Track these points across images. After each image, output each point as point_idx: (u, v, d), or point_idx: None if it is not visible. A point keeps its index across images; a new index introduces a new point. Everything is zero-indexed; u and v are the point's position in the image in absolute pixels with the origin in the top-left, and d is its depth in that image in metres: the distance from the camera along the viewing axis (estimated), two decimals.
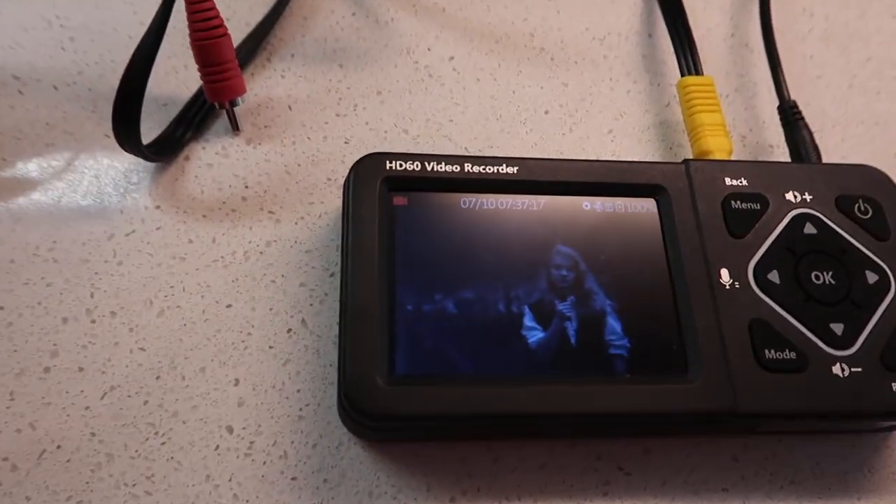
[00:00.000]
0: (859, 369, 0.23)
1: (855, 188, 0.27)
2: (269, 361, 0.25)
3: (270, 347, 0.25)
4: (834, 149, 0.31)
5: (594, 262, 0.25)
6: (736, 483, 0.25)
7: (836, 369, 0.23)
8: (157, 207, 0.27)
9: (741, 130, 0.31)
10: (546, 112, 0.31)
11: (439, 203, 0.25)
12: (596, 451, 0.25)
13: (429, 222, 0.24)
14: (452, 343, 0.23)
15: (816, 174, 0.27)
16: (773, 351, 0.23)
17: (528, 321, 0.23)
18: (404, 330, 0.23)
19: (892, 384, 0.23)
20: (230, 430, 0.24)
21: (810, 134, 0.29)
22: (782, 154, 0.30)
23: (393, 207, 0.24)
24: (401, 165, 0.25)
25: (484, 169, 0.25)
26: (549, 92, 0.31)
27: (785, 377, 0.23)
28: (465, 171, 0.25)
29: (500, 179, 0.25)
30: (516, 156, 0.29)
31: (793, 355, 0.23)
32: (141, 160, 0.27)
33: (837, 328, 0.24)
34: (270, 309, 0.25)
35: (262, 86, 0.30)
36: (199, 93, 0.28)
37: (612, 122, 0.31)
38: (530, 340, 0.23)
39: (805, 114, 0.30)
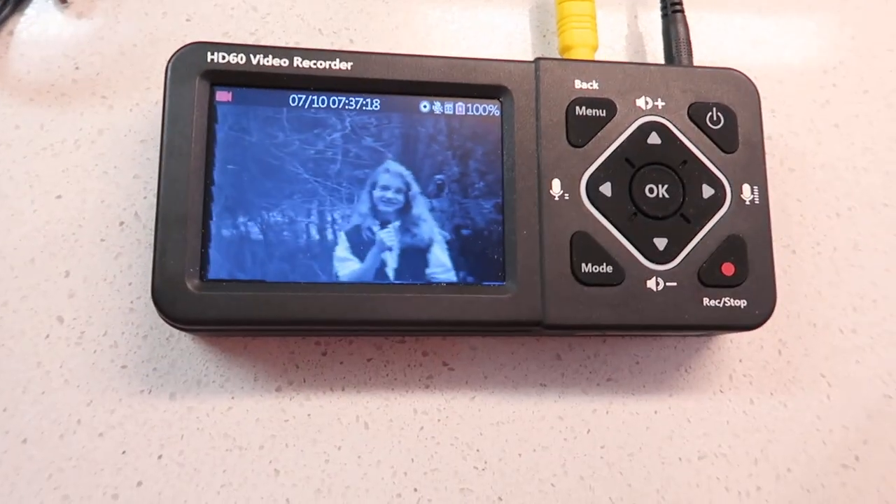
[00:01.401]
0: (674, 284, 0.24)
1: (713, 95, 0.25)
2: (100, 254, 0.25)
3: (102, 240, 0.25)
4: (723, 44, 0.30)
5: (427, 184, 0.24)
6: (555, 379, 0.26)
7: (651, 283, 0.24)
8: None
9: (625, 18, 0.29)
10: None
11: (266, 100, 0.24)
12: (423, 347, 0.26)
13: (252, 121, 0.23)
14: (265, 253, 0.23)
15: (675, 78, 0.25)
16: (589, 265, 0.24)
17: (342, 250, 0.23)
18: (217, 235, 0.23)
19: (705, 299, 0.24)
20: (61, 320, 0.24)
21: (686, 30, 0.27)
22: (660, 49, 0.28)
23: (214, 104, 0.23)
24: (224, 58, 0.23)
25: (315, 63, 0.24)
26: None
27: (597, 290, 0.24)
28: (295, 65, 0.24)
29: (332, 76, 0.24)
30: (365, 44, 0.27)
31: (609, 269, 0.24)
32: None
33: (661, 243, 0.24)
34: (102, 201, 0.25)
35: None
36: None
37: (485, 2, 0.29)
38: (340, 274, 0.23)
39: (701, 1, 0.28)
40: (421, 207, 0.24)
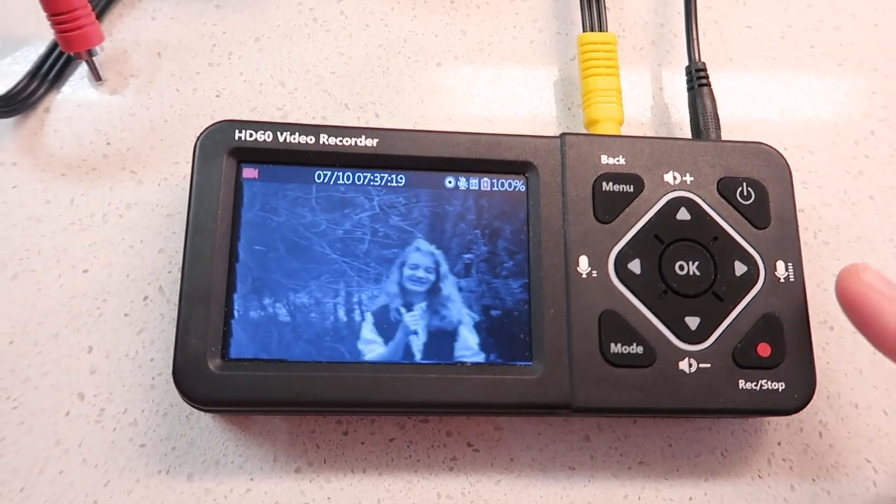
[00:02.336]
0: (708, 365, 0.23)
1: (742, 169, 0.25)
2: (123, 329, 0.25)
3: (126, 315, 0.25)
4: (752, 120, 0.29)
5: (455, 263, 0.24)
6: (584, 462, 0.25)
7: (684, 365, 0.23)
8: (14, 164, 0.26)
9: (650, 91, 0.29)
10: (438, 64, 0.29)
11: (292, 177, 0.24)
12: (447, 427, 0.25)
13: (278, 199, 0.24)
14: (289, 333, 0.22)
15: (703, 153, 0.25)
16: (619, 344, 0.23)
17: (369, 331, 0.23)
18: (241, 314, 0.22)
19: (740, 381, 0.23)
20: (81, 396, 0.24)
21: (713, 103, 0.27)
22: (686, 121, 0.28)
23: (241, 181, 0.24)
24: (251, 135, 0.24)
25: (341, 140, 0.24)
26: (445, 41, 0.29)
27: (627, 372, 0.23)
28: (321, 142, 0.24)
29: (358, 153, 0.24)
30: (390, 118, 0.28)
31: (639, 349, 0.23)
32: None
33: (693, 322, 0.23)
34: (128, 275, 0.25)
35: (131, 28, 0.28)
36: (56, 43, 0.27)
37: (509, 76, 0.29)
38: (366, 355, 0.23)
39: (728, 73, 0.28)
40: (450, 287, 0.23)
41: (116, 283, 0.25)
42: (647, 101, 0.29)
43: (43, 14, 0.25)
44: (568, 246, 0.24)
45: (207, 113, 0.27)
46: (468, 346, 0.23)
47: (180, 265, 0.25)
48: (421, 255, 0.23)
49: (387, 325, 0.23)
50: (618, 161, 0.25)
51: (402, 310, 0.23)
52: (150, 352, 0.25)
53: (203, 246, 0.23)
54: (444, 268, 0.24)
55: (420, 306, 0.23)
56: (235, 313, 0.22)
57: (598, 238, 0.24)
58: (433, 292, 0.23)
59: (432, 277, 0.23)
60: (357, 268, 0.23)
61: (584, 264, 0.24)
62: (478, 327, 0.23)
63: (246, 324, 0.22)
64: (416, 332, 0.23)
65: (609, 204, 0.24)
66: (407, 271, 0.23)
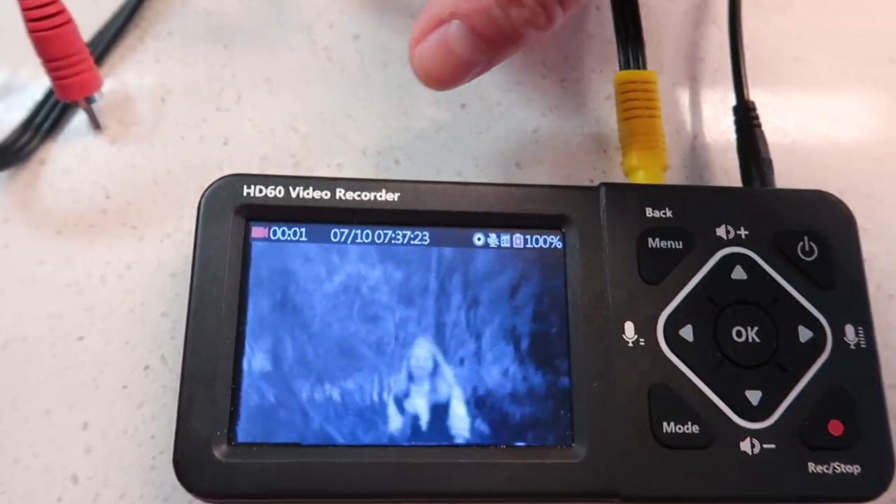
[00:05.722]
0: (772, 446, 0.20)
1: (802, 221, 0.23)
2: (121, 403, 0.22)
3: (124, 387, 0.23)
4: (804, 161, 0.27)
5: (486, 331, 0.21)
6: None
7: (745, 446, 0.20)
8: (6, 221, 0.24)
9: (692, 133, 0.27)
10: (462, 106, 0.27)
11: (305, 235, 0.22)
12: None
13: (290, 260, 0.21)
14: (302, 414, 0.20)
15: (758, 203, 0.23)
16: (672, 423, 0.20)
17: (393, 410, 0.20)
18: (249, 394, 0.20)
19: (810, 464, 0.20)
20: (75, 479, 0.22)
21: (766, 147, 0.24)
22: (734, 165, 0.26)
23: (249, 242, 0.21)
24: (260, 191, 0.22)
25: (359, 195, 0.22)
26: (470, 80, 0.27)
27: (682, 454, 0.20)
28: (338, 197, 0.22)
29: (378, 208, 0.22)
30: (411, 164, 0.26)
31: (695, 429, 0.20)
32: None
33: (754, 396, 0.21)
34: (127, 342, 0.23)
35: (133, 72, 0.26)
36: (52, 90, 0.25)
37: (539, 118, 0.27)
38: (390, 436, 0.20)
39: (776, 109, 0.25)
40: (480, 359, 0.21)
41: (115, 351, 0.23)
42: (688, 145, 0.27)
43: (38, 59, 0.23)
44: (612, 310, 0.21)
45: (214, 162, 0.25)
46: (501, 426, 0.20)
47: (184, 331, 0.23)
48: (449, 324, 0.21)
49: (411, 406, 0.21)
50: (664, 214, 0.22)
51: (429, 387, 0.21)
52: (150, 428, 0.22)
53: (207, 317, 0.20)
54: (475, 337, 0.21)
55: (449, 383, 0.21)
56: (243, 393, 0.20)
57: (645, 301, 0.21)
58: (462, 366, 0.21)
59: (462, 349, 0.21)
60: (378, 342, 0.21)
61: (630, 331, 0.21)
62: (512, 405, 0.21)
63: (255, 404, 0.20)
64: (443, 412, 0.21)
65: (656, 262, 0.22)
66: (433, 344, 0.21)
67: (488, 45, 0.20)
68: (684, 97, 0.27)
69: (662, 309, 0.21)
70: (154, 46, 0.26)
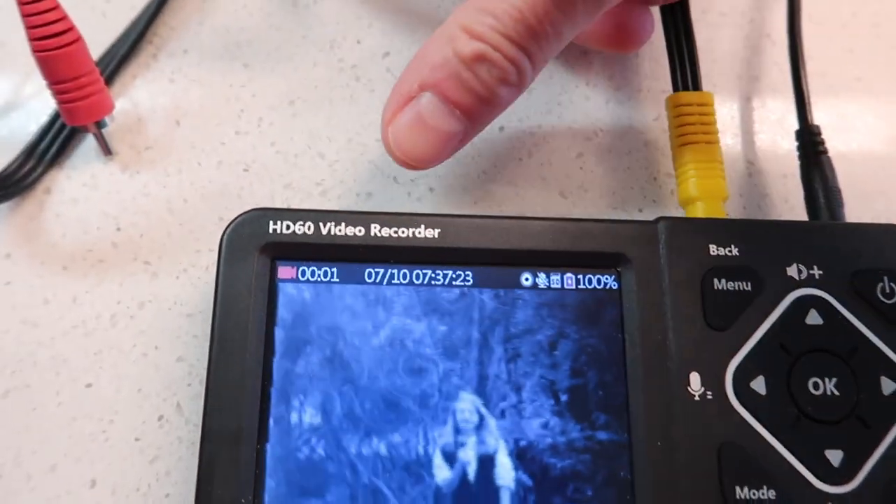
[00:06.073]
0: None
1: (880, 260, 0.20)
2: (133, 457, 0.20)
3: (137, 440, 0.21)
4: (870, 192, 0.25)
5: (535, 382, 0.19)
6: None
7: None
8: (7, 256, 0.22)
9: (747, 156, 0.25)
10: (501, 129, 0.25)
11: (337, 276, 0.20)
12: None
13: (321, 304, 0.19)
14: (337, 478, 0.18)
15: (830, 239, 0.21)
16: (744, 488, 0.18)
17: (440, 470, 0.19)
18: (278, 454, 0.18)
19: None
20: None
21: (834, 176, 0.23)
22: (798, 196, 0.23)
23: (276, 284, 0.19)
24: (288, 227, 0.20)
25: (396, 232, 0.20)
26: None
27: None
28: (372, 234, 0.20)
29: (416, 246, 0.20)
30: (445, 194, 0.24)
31: (771, 494, 0.18)
32: None
33: (835, 456, 0.19)
34: (139, 390, 0.21)
35: (146, 92, 0.24)
36: (58, 114, 0.23)
37: (583, 142, 0.25)
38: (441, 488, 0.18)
39: (838, 133, 0.23)
40: (528, 414, 0.19)
41: (126, 399, 0.21)
42: (743, 171, 0.25)
43: (43, 80, 0.21)
44: (675, 359, 0.19)
45: (234, 191, 0.23)
46: (552, 489, 0.18)
47: (203, 377, 0.21)
48: (494, 376, 0.19)
49: (455, 465, 0.19)
50: (730, 251, 0.20)
51: (476, 447, 0.19)
52: (164, 485, 0.20)
53: (230, 368, 0.18)
54: (523, 390, 0.19)
55: (491, 441, 0.19)
56: (271, 453, 0.18)
57: (711, 349, 0.19)
58: (507, 420, 0.19)
59: (507, 403, 0.19)
60: (420, 395, 0.19)
61: (696, 383, 0.19)
62: (565, 465, 0.19)
63: (284, 466, 0.18)
64: (488, 472, 0.19)
65: (723, 306, 0.20)
66: (475, 398, 0.19)
67: (465, 112, 0.19)
68: (738, 119, 0.25)
69: (731, 358, 0.19)
70: (168, 65, 0.24)
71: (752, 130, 0.25)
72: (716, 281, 0.20)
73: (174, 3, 0.25)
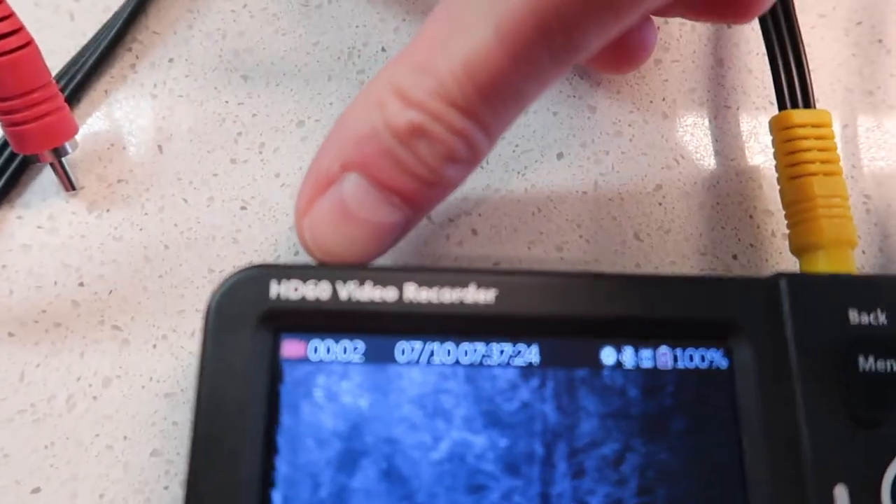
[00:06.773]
0: None
1: None
2: None
3: None
4: None
5: (622, 498, 0.14)
6: None
7: None
8: None
9: (864, 189, 0.20)
10: (559, 156, 0.20)
11: (360, 354, 0.15)
12: None
13: (338, 391, 0.15)
14: None
15: None
16: None
17: None
18: None
19: None
20: None
21: None
22: None
23: (280, 363, 0.15)
24: (296, 289, 0.15)
25: (439, 294, 0.15)
26: (566, 121, 0.20)
27: None
28: (406, 298, 0.15)
29: (466, 314, 0.15)
30: (489, 237, 0.19)
31: None
32: None
33: None
34: (101, 496, 0.16)
35: (121, 110, 0.20)
36: (5, 140, 0.18)
37: (661, 172, 0.20)
38: None
39: None
40: None
41: None
42: (860, 209, 0.20)
43: None
44: (812, 467, 0.14)
45: (228, 233, 0.18)
46: None
47: (183, 478, 0.17)
48: (566, 485, 0.14)
49: None
50: (876, 319, 0.16)
51: None
52: None
53: (218, 475, 0.14)
54: None
55: None
56: None
57: (860, 453, 0.15)
58: None
59: None
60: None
61: (842, 498, 0.14)
62: None
63: None
64: None
65: (873, 393, 0.15)
66: None
67: (403, 198, 0.14)
68: (853, 142, 0.21)
69: (888, 465, 0.15)
70: (150, 77, 0.20)
71: (869, 156, 0.21)
72: (861, 359, 0.15)
73: (158, 2, 0.21)
